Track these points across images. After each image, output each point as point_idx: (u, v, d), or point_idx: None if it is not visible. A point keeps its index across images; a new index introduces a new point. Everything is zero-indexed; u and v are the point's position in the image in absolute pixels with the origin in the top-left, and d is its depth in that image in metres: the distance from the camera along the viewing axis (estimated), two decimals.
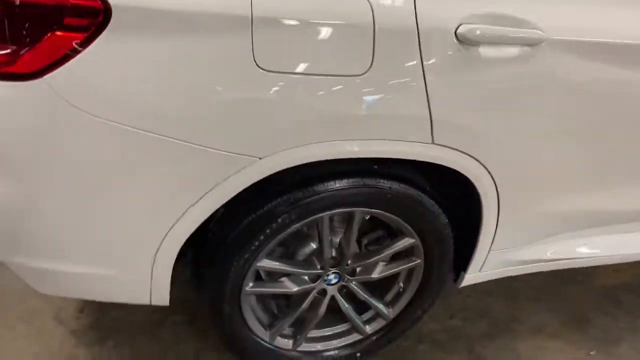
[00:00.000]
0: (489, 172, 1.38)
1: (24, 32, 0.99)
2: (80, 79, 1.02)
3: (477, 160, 1.34)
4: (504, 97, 1.27)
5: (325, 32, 1.10)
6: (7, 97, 1.03)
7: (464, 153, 1.31)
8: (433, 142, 1.26)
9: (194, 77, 1.06)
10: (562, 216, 1.64)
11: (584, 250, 1.76)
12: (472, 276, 1.70)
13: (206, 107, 1.09)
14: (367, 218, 1.52)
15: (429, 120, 1.22)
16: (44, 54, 1.00)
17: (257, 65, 1.07)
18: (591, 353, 1.92)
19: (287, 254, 1.54)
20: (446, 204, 1.48)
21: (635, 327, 2.05)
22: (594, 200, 1.61)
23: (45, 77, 1.00)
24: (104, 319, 1.85)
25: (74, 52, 1.00)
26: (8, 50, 1.00)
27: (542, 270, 1.84)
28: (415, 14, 1.13)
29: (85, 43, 1.00)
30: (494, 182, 1.41)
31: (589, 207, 1.64)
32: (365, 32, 1.11)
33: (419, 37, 1.14)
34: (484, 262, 1.64)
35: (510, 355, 1.88)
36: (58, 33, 0.99)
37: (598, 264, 1.88)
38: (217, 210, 1.25)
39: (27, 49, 1.00)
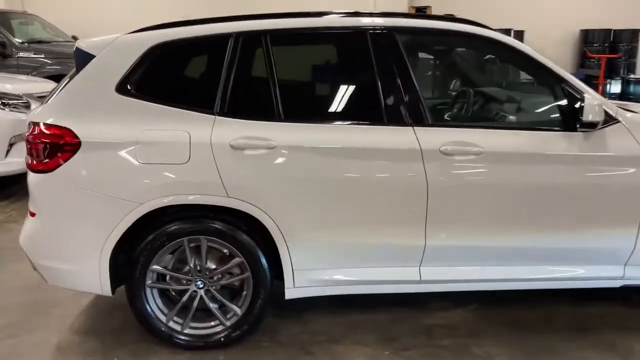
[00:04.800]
0: (269, 215, 2.65)
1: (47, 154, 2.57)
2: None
3: (258, 208, 2.64)
4: (263, 173, 2.62)
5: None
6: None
7: (249, 203, 2.62)
8: (228, 196, 2.60)
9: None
10: (343, 249, 2.79)
11: (365, 276, 2.85)
12: (291, 291, 2.84)
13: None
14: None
15: (222, 185, 2.58)
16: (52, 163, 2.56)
17: (138, 161, 2.54)
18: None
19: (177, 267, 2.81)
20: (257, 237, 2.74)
21: None
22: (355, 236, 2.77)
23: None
24: None
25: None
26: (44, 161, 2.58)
27: (349, 292, 2.92)
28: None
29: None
30: (274, 222, 2.67)
31: (356, 242, 2.79)
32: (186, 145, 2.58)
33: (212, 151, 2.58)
34: (293, 280, 2.79)
35: None
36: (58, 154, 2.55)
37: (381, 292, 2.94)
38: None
39: (47, 160, 2.56)
